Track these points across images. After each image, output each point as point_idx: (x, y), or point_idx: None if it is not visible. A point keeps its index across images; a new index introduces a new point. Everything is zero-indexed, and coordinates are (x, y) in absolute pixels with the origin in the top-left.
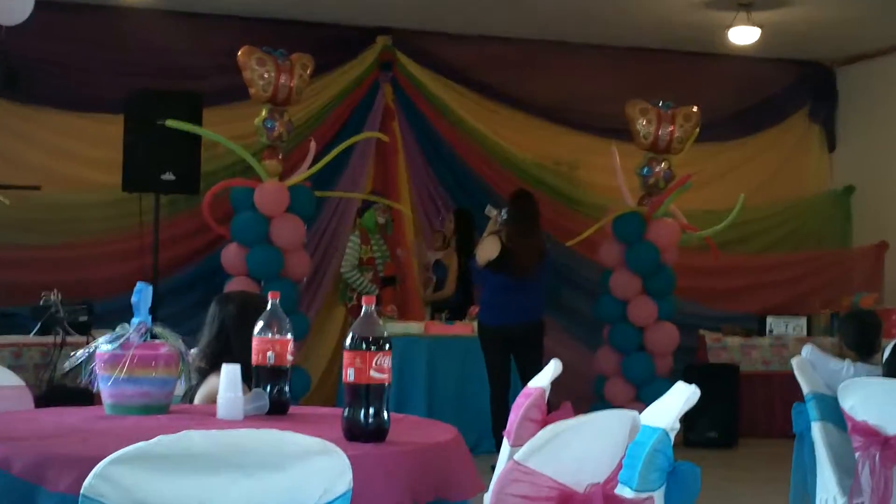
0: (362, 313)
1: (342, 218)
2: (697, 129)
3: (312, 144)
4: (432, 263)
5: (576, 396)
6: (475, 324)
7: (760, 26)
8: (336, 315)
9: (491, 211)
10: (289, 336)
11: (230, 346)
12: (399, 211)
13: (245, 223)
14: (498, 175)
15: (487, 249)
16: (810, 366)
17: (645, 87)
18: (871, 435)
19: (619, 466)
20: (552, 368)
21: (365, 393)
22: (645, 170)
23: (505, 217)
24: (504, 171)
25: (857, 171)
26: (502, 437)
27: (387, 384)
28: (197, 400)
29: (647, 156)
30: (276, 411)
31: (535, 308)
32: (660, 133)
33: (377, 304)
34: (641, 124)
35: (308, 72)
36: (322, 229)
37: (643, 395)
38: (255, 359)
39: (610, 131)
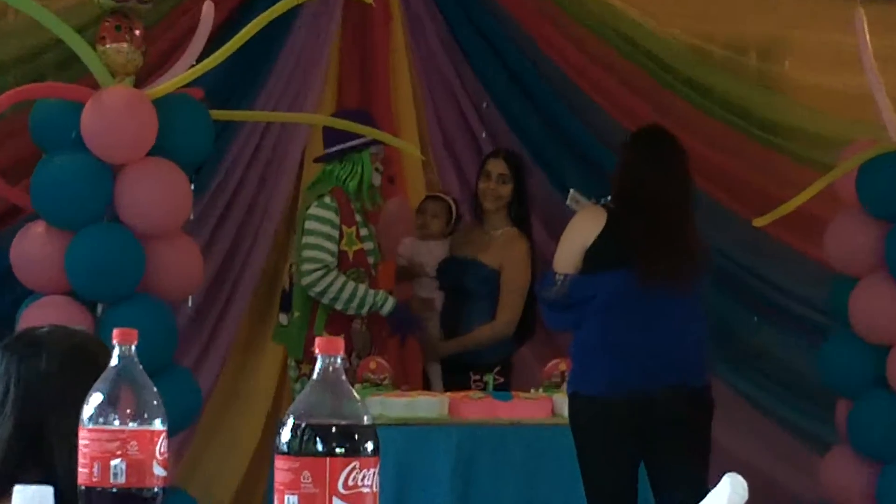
0: (317, 368)
1: (280, 169)
2: None
3: (208, 7)
4: (434, 267)
5: None
6: (559, 399)
7: None
8: (265, 371)
9: (578, 200)
10: (157, 424)
11: (34, 445)
12: (397, 158)
13: (61, 179)
14: (620, 86)
15: (583, 227)
16: None
17: None
18: None
19: None
20: (728, 493)
21: None
22: None
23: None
24: (630, 73)
25: None
26: None
27: None
28: None
29: None
30: None
31: (690, 356)
32: None
33: (353, 351)
34: None
35: None
36: (232, 191)
37: None
38: (82, 475)
39: None
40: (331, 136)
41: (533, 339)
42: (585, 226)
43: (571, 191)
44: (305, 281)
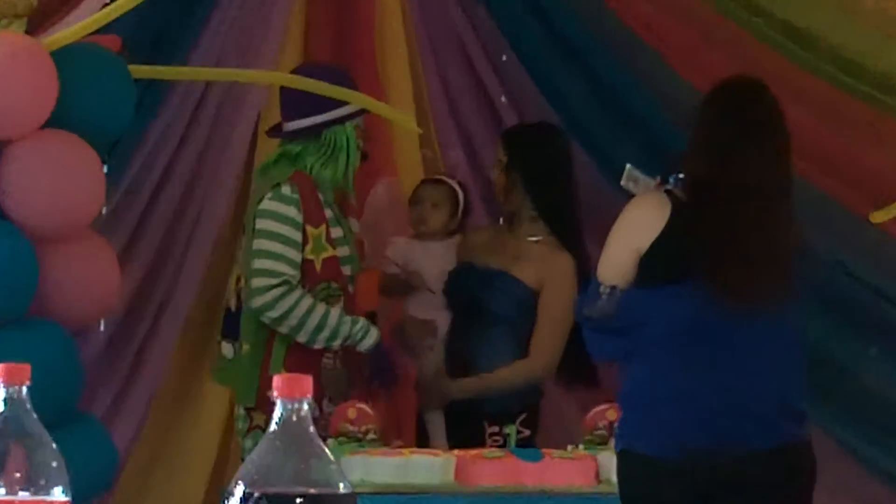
0: (275, 417)
1: (226, 147)
2: None
3: None
4: (437, 278)
5: None
6: (605, 458)
7: None
8: (204, 421)
9: (636, 179)
10: (58, 493)
11: None
12: (379, 126)
13: None
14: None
15: (638, 223)
16: None
17: None
18: None
19: None
20: None
21: None
22: None
23: (675, 179)
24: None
25: None
26: None
27: None
28: None
29: None
30: None
31: (782, 402)
32: None
33: (324, 395)
34: None
35: None
36: (160, 176)
37: None
38: None
39: None
40: (295, 102)
41: (588, 386)
42: (641, 221)
43: (628, 167)
44: (257, 302)
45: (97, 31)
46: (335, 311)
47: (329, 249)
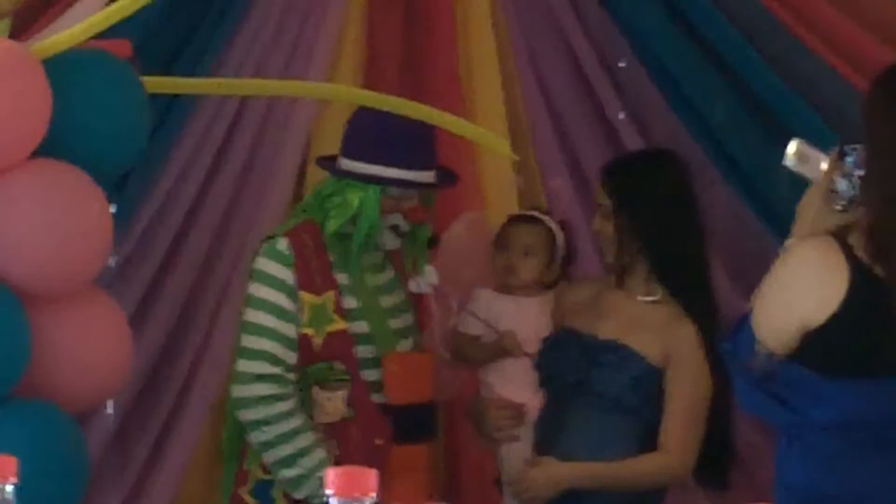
0: None
1: (269, 178)
2: None
3: None
4: (531, 342)
5: None
6: None
7: None
8: None
9: (804, 156)
10: None
11: None
12: (468, 152)
13: None
14: None
15: (807, 284)
16: None
17: None
18: None
19: None
20: None
21: None
22: None
23: (857, 154)
24: None
25: None
26: None
27: None
28: None
29: None
30: None
31: None
32: None
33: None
34: None
35: None
36: (184, 218)
37: None
38: None
39: None
40: (347, 136)
41: (720, 488)
42: (811, 287)
43: (795, 141)
44: (235, 392)
45: (101, 34)
46: (318, 455)
47: (337, 322)
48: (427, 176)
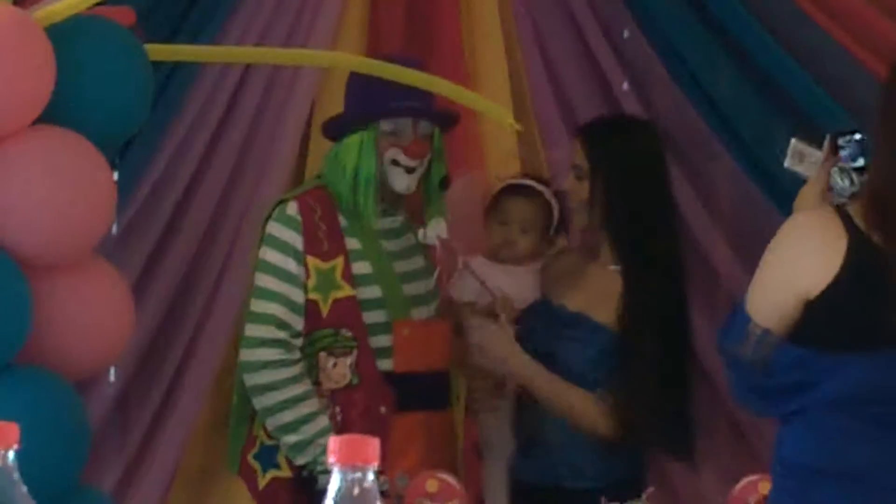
0: (332, 489)
1: (271, 149)
2: None
3: None
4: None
5: None
6: None
7: None
8: (239, 501)
9: (801, 155)
10: None
11: None
12: (468, 115)
13: None
14: None
15: (804, 256)
16: None
17: None
18: None
19: None
20: None
21: None
22: None
23: (852, 146)
24: None
25: None
26: None
27: None
28: None
29: None
30: None
31: None
32: None
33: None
34: None
35: None
36: (186, 186)
37: None
38: None
39: None
40: (347, 90)
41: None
42: (807, 258)
43: (793, 141)
44: (243, 356)
45: (104, 2)
46: (320, 421)
47: (344, 288)
48: (419, 105)
